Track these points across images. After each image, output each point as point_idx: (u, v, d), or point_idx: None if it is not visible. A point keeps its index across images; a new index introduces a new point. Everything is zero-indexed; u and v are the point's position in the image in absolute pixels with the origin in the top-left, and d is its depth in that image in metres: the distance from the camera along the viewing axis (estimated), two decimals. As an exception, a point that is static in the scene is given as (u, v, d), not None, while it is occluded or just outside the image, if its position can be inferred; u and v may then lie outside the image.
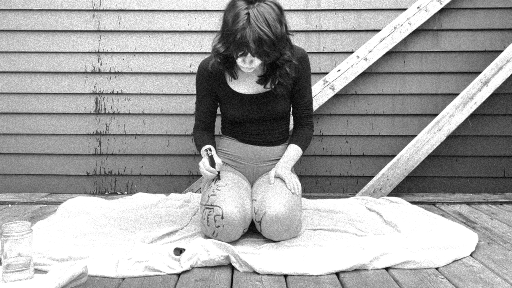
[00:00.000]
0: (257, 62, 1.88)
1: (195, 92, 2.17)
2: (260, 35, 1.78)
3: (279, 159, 2.13)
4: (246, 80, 2.07)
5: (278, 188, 1.92)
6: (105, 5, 2.86)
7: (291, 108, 2.19)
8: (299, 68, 2.03)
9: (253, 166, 2.14)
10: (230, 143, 2.16)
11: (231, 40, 1.83)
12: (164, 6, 2.86)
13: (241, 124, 2.11)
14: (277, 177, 2.01)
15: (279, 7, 1.87)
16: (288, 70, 1.96)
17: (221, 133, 2.25)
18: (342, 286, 1.52)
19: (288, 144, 2.15)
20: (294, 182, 1.98)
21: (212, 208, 1.83)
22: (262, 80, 2.02)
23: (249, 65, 1.89)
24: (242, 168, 2.15)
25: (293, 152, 2.11)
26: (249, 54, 1.84)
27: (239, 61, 1.89)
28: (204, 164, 1.96)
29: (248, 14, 1.79)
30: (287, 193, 1.90)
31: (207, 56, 2.14)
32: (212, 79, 2.07)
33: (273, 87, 2.02)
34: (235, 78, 2.05)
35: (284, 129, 2.17)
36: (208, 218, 1.84)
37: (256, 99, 2.06)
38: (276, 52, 1.86)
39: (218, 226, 1.81)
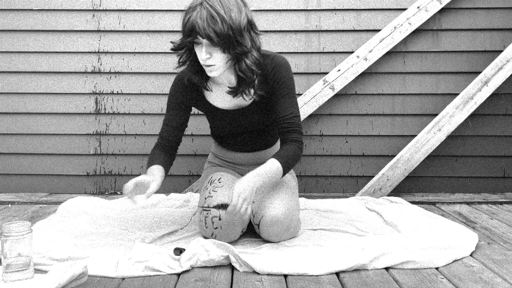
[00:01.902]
0: (216, 54, 1.72)
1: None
2: (210, 12, 1.66)
3: None
4: (222, 96, 1.93)
5: (276, 190, 1.90)
6: (105, 5, 2.86)
7: (275, 122, 1.96)
8: (276, 72, 1.85)
9: (249, 168, 2.12)
10: (221, 149, 2.12)
11: (182, 26, 1.73)
12: (164, 6, 2.86)
13: (228, 136, 2.05)
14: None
15: (242, 0, 1.77)
16: (248, 62, 1.76)
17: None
18: (342, 286, 1.52)
19: (269, 159, 1.83)
20: (241, 205, 1.67)
21: (209, 210, 1.82)
22: (233, 91, 1.85)
23: (206, 56, 1.71)
24: (239, 170, 2.14)
25: (269, 167, 1.77)
26: (204, 42, 1.70)
27: (198, 54, 1.75)
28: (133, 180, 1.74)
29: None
30: (285, 194, 1.87)
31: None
32: (190, 93, 1.95)
33: (244, 96, 1.87)
34: (206, 90, 1.91)
35: (276, 131, 2.07)
36: (206, 220, 1.83)
37: (237, 114, 1.95)
38: (230, 39, 1.68)
39: (216, 228, 1.80)
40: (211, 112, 1.99)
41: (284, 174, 1.81)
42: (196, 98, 1.97)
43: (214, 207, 1.75)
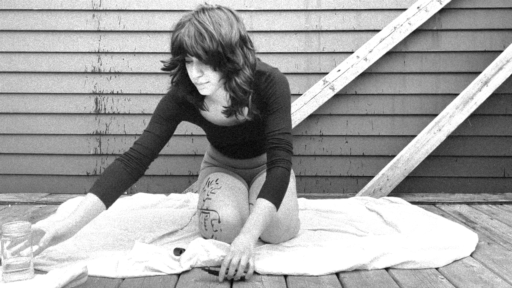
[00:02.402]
0: (207, 73, 1.63)
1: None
2: (199, 29, 1.57)
3: None
4: (218, 114, 1.85)
5: None
6: (105, 5, 2.86)
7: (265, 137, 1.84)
8: (269, 88, 1.76)
9: (246, 170, 2.11)
10: (217, 152, 2.09)
11: (170, 44, 1.64)
12: (164, 6, 2.86)
13: (224, 145, 2.02)
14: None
15: (235, 14, 1.66)
16: (239, 81, 1.66)
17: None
18: (342, 286, 1.52)
19: (257, 197, 1.70)
20: (238, 259, 1.52)
21: (208, 213, 1.82)
22: (227, 110, 1.77)
23: (197, 74, 1.63)
24: (236, 171, 2.12)
25: (261, 211, 1.66)
26: (194, 60, 1.61)
27: (189, 72, 1.66)
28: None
29: (193, 15, 1.62)
30: (285, 196, 1.87)
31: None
32: (184, 109, 1.85)
33: (237, 116, 1.80)
34: (203, 110, 1.83)
35: None
36: (205, 222, 1.83)
37: (234, 129, 1.91)
38: (220, 56, 1.60)
39: (216, 230, 1.80)
40: (208, 127, 1.93)
41: (277, 208, 1.70)
42: (191, 114, 1.88)
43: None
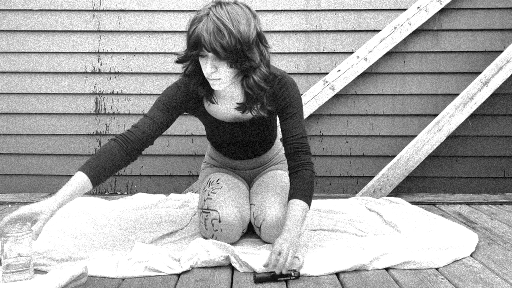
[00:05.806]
0: (222, 69, 1.62)
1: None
2: (217, 25, 1.56)
3: (272, 160, 2.09)
4: (222, 109, 1.85)
5: (276, 192, 1.89)
6: (105, 5, 2.86)
7: (283, 142, 1.86)
8: (284, 92, 1.77)
9: (246, 171, 2.11)
10: (217, 153, 2.08)
11: (187, 38, 1.63)
12: (164, 6, 2.86)
13: (223, 144, 2.00)
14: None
15: (251, 11, 1.66)
16: (256, 79, 1.66)
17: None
18: (342, 286, 1.52)
19: (289, 199, 1.75)
20: (288, 259, 1.56)
21: (209, 212, 1.82)
22: (241, 107, 1.76)
23: (211, 70, 1.61)
24: (236, 172, 2.12)
25: (298, 212, 1.70)
26: (210, 55, 1.60)
27: (202, 67, 1.65)
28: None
29: (210, 9, 1.61)
30: (286, 195, 1.87)
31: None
32: (189, 101, 1.82)
33: (253, 113, 1.80)
34: (213, 103, 1.82)
35: (271, 140, 2.05)
36: (205, 222, 1.83)
37: (235, 127, 1.89)
38: (238, 53, 1.59)
39: (216, 230, 1.80)
40: (209, 122, 1.91)
41: (309, 208, 1.75)
42: (194, 107, 1.86)
43: (257, 279, 1.54)
